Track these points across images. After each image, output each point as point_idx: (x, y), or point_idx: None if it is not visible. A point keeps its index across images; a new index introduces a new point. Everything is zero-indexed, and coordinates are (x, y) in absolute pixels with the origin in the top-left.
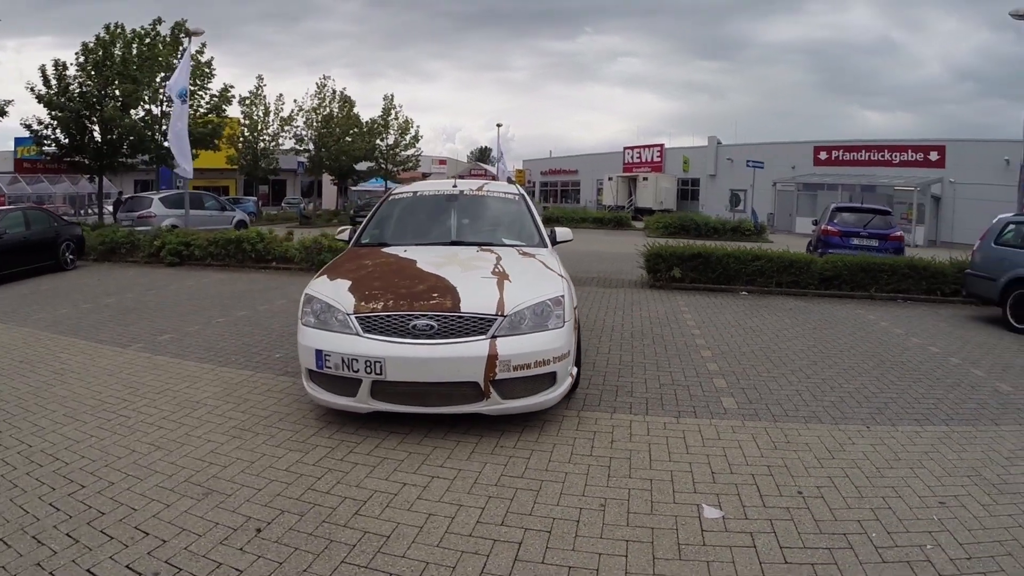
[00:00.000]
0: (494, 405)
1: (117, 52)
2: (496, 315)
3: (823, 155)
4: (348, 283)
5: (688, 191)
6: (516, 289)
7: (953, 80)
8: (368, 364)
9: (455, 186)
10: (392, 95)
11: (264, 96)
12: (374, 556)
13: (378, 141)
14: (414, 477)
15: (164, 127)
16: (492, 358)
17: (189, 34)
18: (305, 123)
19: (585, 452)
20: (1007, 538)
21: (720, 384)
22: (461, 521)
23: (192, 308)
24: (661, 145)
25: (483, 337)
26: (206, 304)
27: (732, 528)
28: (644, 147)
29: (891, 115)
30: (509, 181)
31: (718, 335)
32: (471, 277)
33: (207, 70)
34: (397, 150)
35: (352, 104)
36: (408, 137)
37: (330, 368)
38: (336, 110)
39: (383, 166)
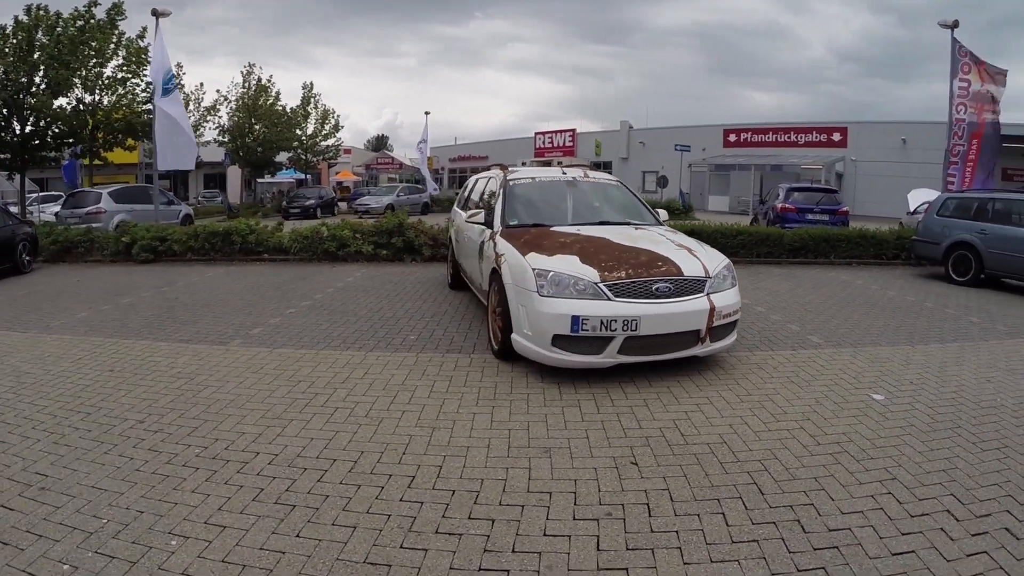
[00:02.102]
0: (705, 348)
1: (42, 37)
2: (706, 277)
3: (732, 137)
4: (575, 257)
5: None
6: (704, 257)
7: (837, 61)
8: (625, 323)
9: (564, 173)
10: (311, 83)
11: (183, 85)
12: (733, 454)
13: (297, 131)
14: (685, 408)
15: (99, 116)
16: (712, 310)
17: (157, 15)
18: (229, 113)
19: (767, 376)
20: None
21: (795, 328)
22: (755, 424)
23: (241, 303)
24: (573, 130)
25: (701, 295)
26: (251, 298)
27: (896, 403)
28: (556, 132)
29: (778, 96)
30: (437, 173)
31: (752, 296)
32: (667, 249)
33: (144, 56)
34: (317, 140)
35: (277, 94)
36: (328, 126)
37: (587, 330)
38: (251, 98)
39: (303, 156)
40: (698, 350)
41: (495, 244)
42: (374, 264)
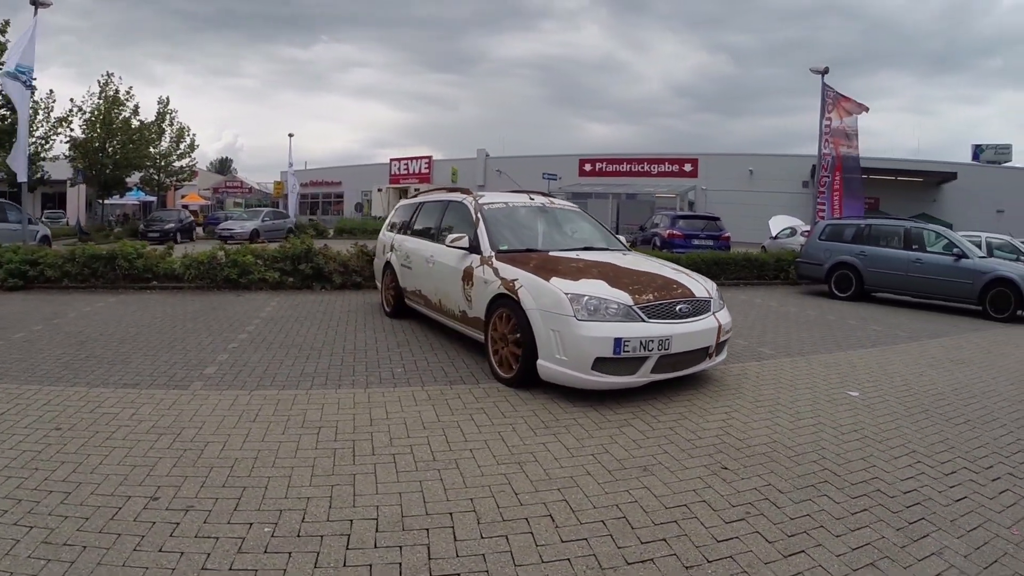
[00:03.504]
0: (711, 363)
1: None
2: (710, 298)
3: (588, 167)
4: (601, 282)
5: None
6: (702, 281)
7: (672, 96)
8: (660, 343)
9: (532, 199)
10: (168, 97)
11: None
12: (791, 450)
13: (151, 149)
14: (719, 416)
15: None
16: (720, 328)
17: (36, 3)
18: (83, 127)
19: (758, 383)
20: (965, 377)
21: (743, 343)
22: (785, 424)
23: (163, 337)
24: (429, 157)
25: (710, 314)
26: (171, 332)
27: (869, 398)
28: (411, 159)
29: (614, 127)
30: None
31: None
32: (672, 273)
33: None
34: (171, 159)
35: (136, 108)
36: (183, 145)
37: (628, 351)
38: (105, 112)
39: (155, 177)
40: (706, 365)
41: (496, 270)
42: (281, 293)
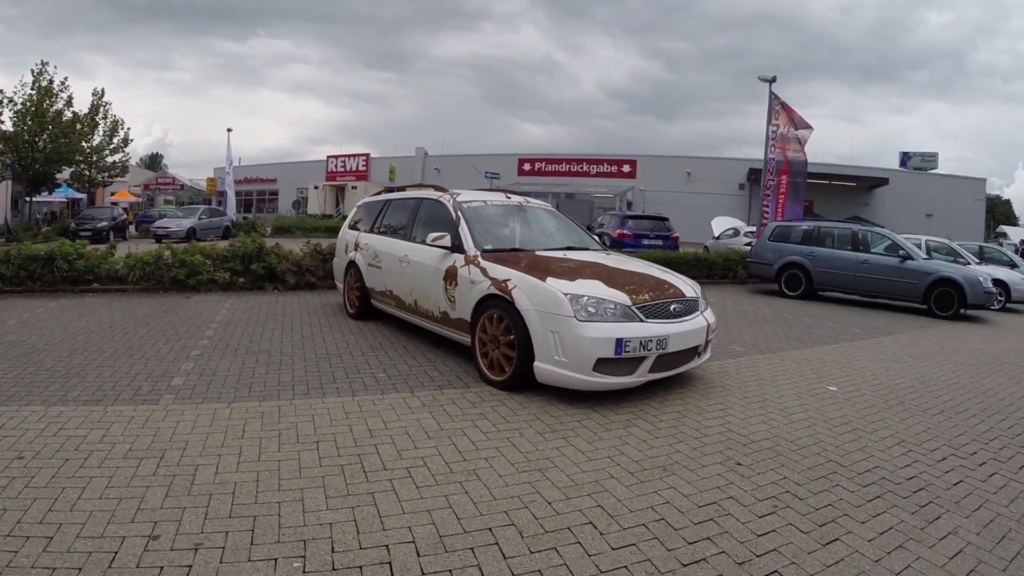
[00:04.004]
0: (699, 361)
1: None
2: (698, 297)
3: (527, 166)
4: (597, 282)
5: None
6: (688, 280)
7: (606, 98)
8: (658, 342)
9: (509, 198)
10: (103, 89)
11: None
12: (793, 443)
13: (84, 143)
14: (715, 414)
15: None
16: (708, 327)
17: None
18: (13, 119)
19: (740, 380)
20: (927, 371)
21: (715, 340)
22: (778, 418)
23: (117, 345)
24: (367, 154)
25: (698, 313)
26: (125, 339)
27: (847, 392)
28: (349, 156)
29: (547, 128)
30: (220, 195)
31: None
32: (661, 272)
33: None
34: (103, 154)
35: (69, 99)
36: (117, 140)
37: (629, 352)
38: (36, 103)
39: (86, 172)
40: (695, 363)
41: (484, 269)
42: (233, 294)
